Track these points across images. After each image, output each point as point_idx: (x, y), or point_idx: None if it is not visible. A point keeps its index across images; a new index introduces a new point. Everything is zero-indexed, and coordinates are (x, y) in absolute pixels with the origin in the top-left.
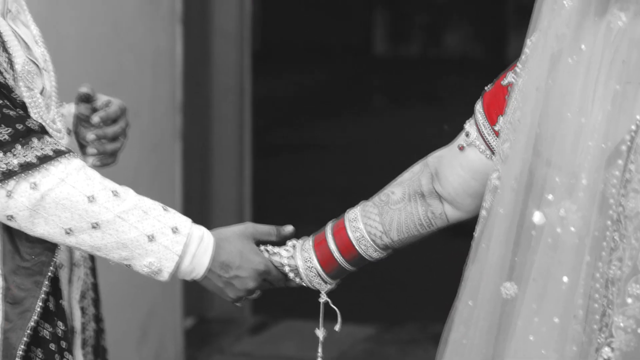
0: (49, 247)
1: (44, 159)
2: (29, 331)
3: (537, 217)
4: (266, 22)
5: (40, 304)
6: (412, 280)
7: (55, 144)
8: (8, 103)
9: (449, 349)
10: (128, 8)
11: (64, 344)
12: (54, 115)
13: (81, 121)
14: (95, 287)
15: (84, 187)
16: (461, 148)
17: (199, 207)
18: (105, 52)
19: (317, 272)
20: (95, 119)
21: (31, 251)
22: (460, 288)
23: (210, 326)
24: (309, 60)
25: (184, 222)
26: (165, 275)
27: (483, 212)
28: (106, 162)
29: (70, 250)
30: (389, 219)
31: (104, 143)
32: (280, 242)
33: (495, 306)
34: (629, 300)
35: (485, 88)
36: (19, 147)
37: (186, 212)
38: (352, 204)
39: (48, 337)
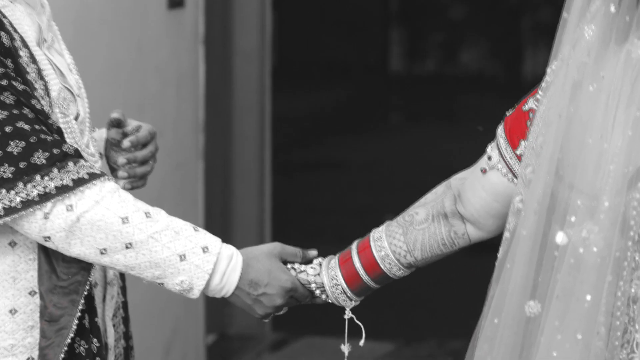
0: (85, 266)
1: (79, 182)
2: (65, 348)
3: (560, 237)
4: (284, 40)
5: (76, 321)
6: (430, 297)
7: (90, 167)
8: (45, 129)
9: None
10: (152, 30)
11: None
12: (88, 140)
13: (112, 145)
14: (125, 305)
15: (118, 208)
16: (484, 171)
17: (220, 225)
18: (130, 74)
19: (343, 290)
20: (126, 143)
21: (67, 271)
22: (485, 307)
23: (231, 343)
24: (326, 79)
25: (214, 242)
26: (196, 293)
27: (506, 234)
28: (136, 185)
29: (104, 269)
30: (413, 238)
31: (134, 167)
32: (304, 263)
33: (519, 324)
34: None
35: (507, 112)
36: (55, 170)
37: (208, 229)
38: (370, 222)
39: (83, 354)
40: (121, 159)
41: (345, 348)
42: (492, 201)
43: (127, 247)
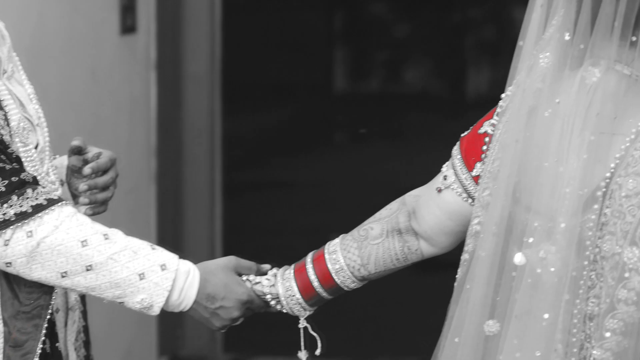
0: (46, 290)
1: (38, 208)
2: None
3: (518, 258)
4: (231, 63)
5: (40, 345)
6: (380, 315)
7: (48, 193)
8: (4, 157)
9: None
10: (105, 56)
11: None
12: (48, 168)
13: (73, 172)
14: (86, 329)
15: (77, 232)
16: (439, 190)
17: (172, 247)
18: (84, 100)
19: (297, 300)
20: (87, 170)
21: (30, 296)
22: (444, 326)
23: None
24: (272, 99)
25: (172, 259)
26: (156, 310)
27: (465, 256)
28: (98, 210)
29: (66, 294)
30: (367, 253)
31: (95, 193)
32: (258, 275)
33: (478, 343)
34: (607, 334)
35: (462, 135)
36: (14, 197)
37: None
38: (318, 241)
39: None
40: (82, 186)
41: (303, 355)
42: (446, 219)
43: (87, 269)
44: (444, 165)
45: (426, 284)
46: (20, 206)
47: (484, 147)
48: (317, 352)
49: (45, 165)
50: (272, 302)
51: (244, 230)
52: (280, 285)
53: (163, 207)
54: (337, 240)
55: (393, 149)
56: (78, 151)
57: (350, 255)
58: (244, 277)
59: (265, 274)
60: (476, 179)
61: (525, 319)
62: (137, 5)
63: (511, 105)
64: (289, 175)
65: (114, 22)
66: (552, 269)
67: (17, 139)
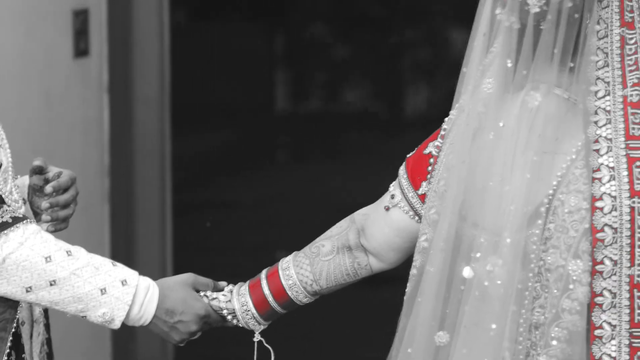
0: (12, 305)
1: (3, 226)
2: None
3: (467, 272)
4: (177, 85)
5: (6, 358)
6: (322, 329)
7: (13, 212)
8: None
9: None
10: (59, 79)
11: None
12: (11, 187)
13: (35, 191)
14: (49, 341)
15: (41, 249)
16: (387, 209)
17: (125, 263)
18: (39, 122)
19: (252, 315)
20: (49, 188)
21: None
22: (395, 338)
23: None
24: (218, 121)
25: (132, 275)
26: (117, 324)
27: (413, 271)
28: (59, 227)
29: (31, 308)
30: (319, 269)
31: (57, 210)
32: (214, 291)
33: (429, 353)
34: (553, 342)
35: (407, 155)
36: None
37: None
38: (263, 259)
39: None
40: (44, 204)
41: None
42: (394, 237)
43: (51, 284)
44: (391, 185)
45: (370, 299)
46: None
47: (429, 168)
48: None
49: (8, 184)
50: (229, 317)
51: (193, 248)
52: (235, 301)
53: (116, 225)
54: (290, 257)
55: (334, 167)
56: (39, 171)
57: (303, 272)
58: (202, 293)
59: (221, 290)
60: (422, 197)
61: (474, 330)
62: (90, 29)
63: (454, 128)
64: (234, 195)
65: (67, 45)
66: (499, 282)
67: None
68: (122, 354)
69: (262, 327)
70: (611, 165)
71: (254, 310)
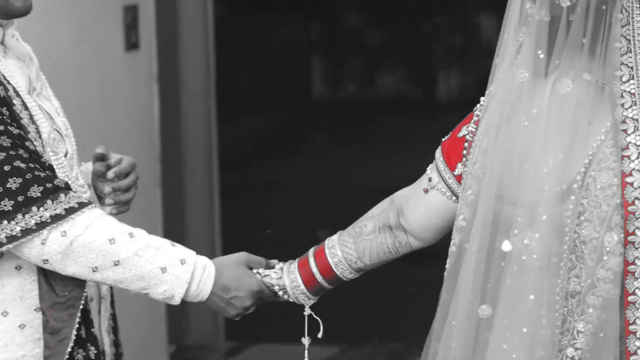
0: (79, 284)
1: (70, 211)
2: (66, 356)
3: (506, 245)
4: (222, 75)
5: (75, 332)
6: (367, 304)
7: (79, 197)
8: (38, 166)
9: None
10: (113, 72)
11: None
12: (77, 173)
13: (98, 177)
14: (114, 316)
15: (105, 231)
16: (426, 191)
17: (177, 242)
18: (95, 112)
19: (302, 291)
20: (111, 174)
21: (64, 289)
22: (438, 312)
23: (189, 352)
24: (259, 106)
25: (190, 254)
26: (177, 300)
27: (452, 248)
28: (121, 210)
29: (98, 286)
30: (363, 247)
31: (119, 194)
32: (266, 269)
33: (472, 325)
34: (589, 310)
35: (443, 139)
36: (49, 202)
37: None
38: (305, 236)
39: None
40: (107, 188)
41: (306, 340)
42: (432, 217)
43: (115, 264)
44: (428, 168)
45: (408, 276)
46: (55, 209)
47: (464, 151)
48: (319, 335)
49: (74, 170)
50: (280, 293)
51: (240, 226)
52: (286, 278)
53: (167, 206)
54: (335, 236)
55: (370, 149)
56: (102, 157)
57: (347, 250)
58: (254, 271)
59: (273, 267)
60: (458, 178)
61: (514, 301)
62: (139, 23)
63: (487, 115)
64: (276, 177)
65: (119, 39)
66: (535, 255)
67: (48, 149)
68: (176, 330)
69: (312, 302)
70: (638, 143)
71: (303, 287)
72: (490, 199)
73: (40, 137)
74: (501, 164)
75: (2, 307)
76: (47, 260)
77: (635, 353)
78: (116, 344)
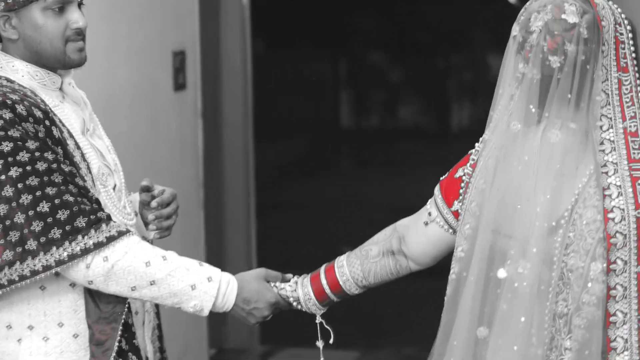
0: (121, 300)
1: (110, 239)
2: None
3: (502, 273)
4: (258, 107)
5: (117, 343)
6: (384, 312)
7: (119, 226)
8: (85, 200)
9: None
10: (162, 109)
11: None
12: (125, 203)
13: (144, 205)
14: (159, 326)
15: (142, 256)
16: (426, 224)
17: (217, 257)
18: (146, 145)
19: (313, 302)
20: (154, 204)
21: (108, 305)
22: (440, 332)
23: (227, 355)
24: (291, 134)
25: (216, 272)
26: (206, 312)
27: (452, 276)
28: (163, 234)
29: (142, 301)
30: (368, 268)
31: (161, 221)
32: (283, 282)
33: (470, 345)
34: (575, 329)
35: (441, 178)
36: (92, 231)
37: (208, 262)
38: (331, 251)
39: None
40: (150, 216)
41: (320, 343)
42: (431, 246)
43: (151, 284)
44: (428, 203)
45: (417, 289)
46: (97, 237)
47: (461, 191)
48: (331, 341)
49: (122, 200)
50: (294, 303)
51: (274, 242)
52: (300, 290)
53: (209, 226)
54: (344, 257)
55: (390, 172)
56: (147, 189)
57: (355, 270)
58: (272, 284)
59: (288, 281)
60: (455, 213)
61: (507, 323)
62: (187, 67)
63: (482, 159)
64: (307, 196)
65: (168, 80)
66: (525, 283)
67: (98, 183)
68: (216, 336)
69: (322, 312)
70: (618, 184)
71: (314, 299)
72: (487, 233)
73: (90, 172)
74: (497, 203)
75: (59, 319)
76: (91, 281)
77: None
78: (161, 350)
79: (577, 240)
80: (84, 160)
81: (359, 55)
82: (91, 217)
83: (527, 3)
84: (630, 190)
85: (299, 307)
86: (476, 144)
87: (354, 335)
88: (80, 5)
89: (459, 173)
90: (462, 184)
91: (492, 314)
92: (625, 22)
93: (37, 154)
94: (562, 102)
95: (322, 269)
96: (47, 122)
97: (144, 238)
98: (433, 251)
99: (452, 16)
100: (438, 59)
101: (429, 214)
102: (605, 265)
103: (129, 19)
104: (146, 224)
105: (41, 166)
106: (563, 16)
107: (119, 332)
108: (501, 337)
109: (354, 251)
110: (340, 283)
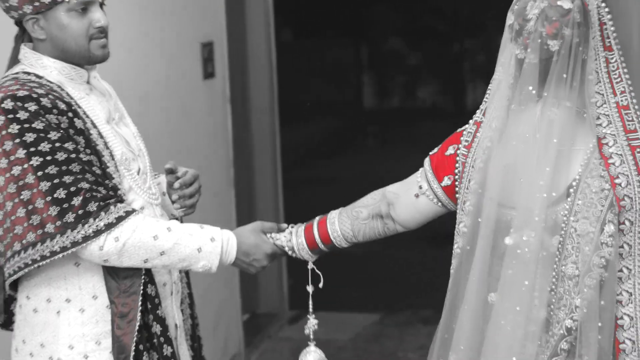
0: (137, 274)
1: (120, 219)
2: (136, 333)
3: (508, 239)
4: (283, 86)
5: (139, 314)
6: (401, 277)
7: (125, 207)
8: (100, 188)
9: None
10: (193, 96)
11: (162, 340)
12: (150, 185)
13: (170, 186)
14: (190, 295)
15: (149, 230)
16: (416, 196)
17: None
18: (179, 130)
19: (306, 251)
20: (176, 184)
21: (125, 280)
22: (447, 297)
23: (260, 319)
24: (317, 115)
25: (217, 232)
26: (214, 269)
27: (457, 250)
28: (187, 212)
29: (170, 272)
30: (358, 228)
31: (185, 200)
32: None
33: (480, 308)
34: (585, 289)
35: (430, 152)
36: (102, 214)
37: None
38: None
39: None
40: (174, 196)
41: (310, 288)
42: (419, 215)
43: (161, 254)
44: (418, 176)
45: (432, 256)
46: (108, 219)
47: (457, 169)
48: (320, 285)
49: (147, 182)
50: (289, 252)
51: (300, 216)
52: (294, 240)
53: (240, 204)
54: (336, 213)
55: (410, 150)
56: (171, 171)
57: (345, 228)
58: (267, 236)
59: (283, 230)
60: (445, 188)
61: (512, 287)
62: (215, 56)
63: (477, 140)
64: (332, 173)
65: (198, 70)
66: (527, 249)
67: (122, 167)
68: (249, 302)
69: (314, 259)
70: (619, 152)
71: (307, 248)
72: (492, 207)
73: (113, 158)
74: (500, 179)
75: (93, 292)
76: (107, 260)
77: (621, 318)
78: (192, 316)
79: (587, 207)
80: (107, 148)
81: (380, 42)
82: (101, 202)
83: None
84: (631, 158)
85: (293, 255)
86: (466, 125)
87: (373, 301)
88: (102, 5)
89: (450, 151)
90: (457, 164)
91: (497, 281)
92: (603, 4)
93: (57, 144)
94: (560, 82)
95: (316, 221)
96: (70, 114)
97: (172, 216)
98: (421, 218)
99: (466, 3)
100: (453, 44)
101: (420, 187)
102: (616, 228)
103: (160, 15)
104: (173, 202)
105: (61, 156)
106: (559, 2)
107: (139, 303)
108: (506, 299)
109: (345, 209)
110: (331, 237)
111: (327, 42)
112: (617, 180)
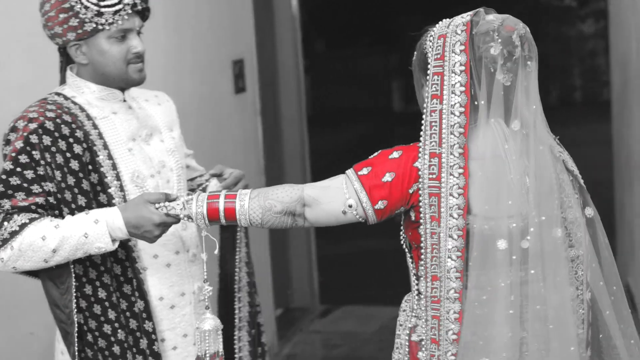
0: (69, 272)
1: (13, 234)
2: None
3: (502, 244)
4: (314, 93)
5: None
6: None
7: (22, 220)
8: (3, 201)
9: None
10: (226, 110)
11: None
12: (176, 193)
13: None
14: (250, 284)
15: (38, 233)
16: (344, 213)
17: (279, 236)
18: (213, 141)
19: (205, 221)
20: (219, 187)
21: (62, 284)
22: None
23: (292, 314)
24: (347, 119)
25: (100, 214)
26: (111, 246)
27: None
28: None
29: (191, 282)
30: (267, 219)
31: None
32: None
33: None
34: (593, 265)
35: (360, 172)
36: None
37: (271, 240)
38: (382, 223)
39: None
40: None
41: (204, 255)
42: (334, 221)
43: (54, 252)
44: (344, 190)
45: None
46: (2, 235)
47: (421, 202)
48: (215, 252)
49: (174, 190)
50: (184, 219)
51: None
52: (194, 206)
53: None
54: (247, 196)
55: None
56: (217, 175)
57: (254, 214)
58: (157, 206)
59: (174, 200)
60: (377, 210)
61: (494, 287)
62: (245, 72)
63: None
64: None
65: (229, 85)
66: (527, 245)
67: (131, 185)
68: (282, 298)
69: (208, 228)
70: (565, 152)
71: (206, 218)
72: (481, 224)
73: (119, 179)
74: (485, 196)
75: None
76: (15, 268)
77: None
78: (251, 304)
79: (569, 197)
80: (114, 168)
81: (407, 50)
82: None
83: (493, 25)
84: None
85: (189, 221)
86: (400, 154)
87: (398, 293)
88: (139, 32)
89: (387, 178)
90: (423, 197)
91: (487, 281)
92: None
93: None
94: (527, 100)
95: (223, 193)
96: (70, 140)
97: None
98: (335, 223)
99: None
100: None
101: (349, 205)
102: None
103: (192, 35)
104: None
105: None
106: (527, 29)
107: (74, 302)
108: (549, 276)
109: (257, 196)
110: (237, 216)
111: (359, 50)
112: (577, 171)
